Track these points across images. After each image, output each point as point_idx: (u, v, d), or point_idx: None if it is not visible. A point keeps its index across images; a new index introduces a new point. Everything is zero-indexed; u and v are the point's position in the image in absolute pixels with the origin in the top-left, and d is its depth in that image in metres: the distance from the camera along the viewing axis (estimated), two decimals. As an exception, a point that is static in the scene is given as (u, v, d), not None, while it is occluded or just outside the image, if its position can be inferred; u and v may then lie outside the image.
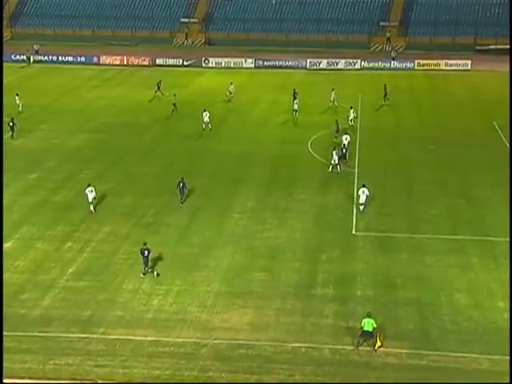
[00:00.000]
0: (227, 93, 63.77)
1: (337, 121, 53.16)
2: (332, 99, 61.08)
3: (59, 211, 40.12)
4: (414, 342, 27.87)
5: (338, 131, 51.98)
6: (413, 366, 26.67)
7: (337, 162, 45.62)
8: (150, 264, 33.22)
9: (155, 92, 64.98)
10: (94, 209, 39.79)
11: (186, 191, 41.08)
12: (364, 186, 39.90)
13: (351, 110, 54.35)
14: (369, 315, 27.63)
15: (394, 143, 49.18)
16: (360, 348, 27.49)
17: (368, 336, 27.38)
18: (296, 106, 58.13)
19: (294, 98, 59.41)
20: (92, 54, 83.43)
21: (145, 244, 33.10)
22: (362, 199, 39.64)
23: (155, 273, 33.11)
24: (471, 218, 39.16)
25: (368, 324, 27.36)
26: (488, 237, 36.76)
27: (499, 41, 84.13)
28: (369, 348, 27.46)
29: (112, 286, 32.27)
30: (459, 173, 45.88)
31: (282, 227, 38.15)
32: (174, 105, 59.35)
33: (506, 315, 29.66)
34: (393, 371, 26.31)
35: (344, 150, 47.14)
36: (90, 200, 39.56)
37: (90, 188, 39.66)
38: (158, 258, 34.51)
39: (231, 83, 64.18)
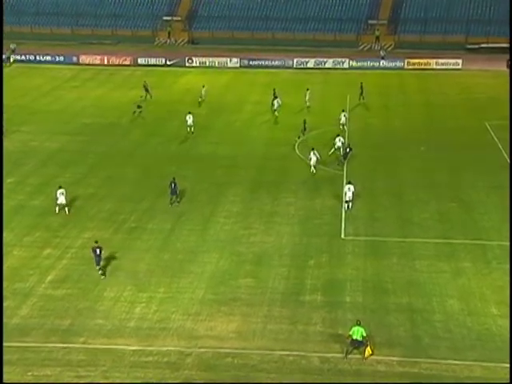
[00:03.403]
0: (199, 98, 62.25)
1: (305, 120, 52.73)
2: (307, 99, 60.46)
3: (38, 216, 39.27)
4: (405, 350, 27.43)
5: (304, 130, 51.77)
6: (404, 373, 26.23)
7: (314, 163, 45.15)
8: (101, 263, 32.92)
9: (145, 95, 63.33)
10: (67, 211, 39.19)
11: (178, 192, 40.66)
12: (350, 182, 39.87)
13: (342, 113, 53.63)
14: (358, 323, 27.07)
15: (384, 144, 48.61)
16: (350, 356, 26.93)
17: (357, 344, 26.85)
18: (276, 106, 57.77)
19: (275, 98, 58.74)
20: (71, 53, 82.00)
21: (96, 242, 32.96)
22: (349, 196, 39.48)
23: (101, 272, 32.83)
24: (463, 221, 38.70)
25: (357, 332, 26.81)
26: (480, 241, 36.34)
27: (490, 39, 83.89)
28: (359, 356, 26.88)
29: (93, 293, 31.58)
30: (451, 175, 45.41)
31: (268, 232, 37.56)
32: (139, 107, 58.14)
33: (500, 321, 29.26)
34: (383, 379, 25.83)
35: (348, 150, 46.46)
36: (59, 202, 38.99)
37: (61, 190, 39.15)
38: (141, 265, 33.91)
39: (203, 86, 62.87)
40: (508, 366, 26.19)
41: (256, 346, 27.76)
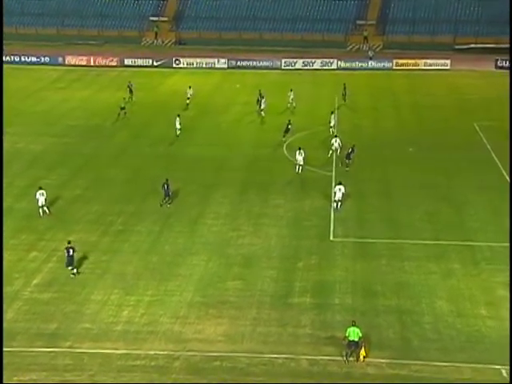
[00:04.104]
0: (186, 99, 61.72)
1: (289, 121, 52.54)
2: (290, 100, 60.28)
3: (23, 219, 38.88)
4: (394, 352, 27.28)
5: (287, 131, 51.79)
6: (393, 376, 26.05)
7: (301, 162, 45.05)
8: (74, 264, 32.72)
9: (129, 97, 62.93)
10: (48, 211, 39.01)
11: (171, 193, 40.47)
12: (340, 183, 39.86)
13: (332, 115, 53.44)
14: (353, 324, 26.85)
15: (373, 145, 48.56)
16: (340, 358, 26.67)
17: (354, 346, 26.56)
18: (263, 106, 57.72)
19: (261, 98, 58.53)
20: (57, 54, 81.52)
21: (69, 242, 32.82)
22: (338, 196, 39.47)
23: (75, 271, 32.69)
24: (452, 222, 38.62)
25: (354, 333, 26.55)
26: (469, 242, 36.26)
27: (479, 40, 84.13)
28: (351, 358, 26.67)
29: (79, 297, 31.25)
30: (440, 176, 45.36)
31: (257, 234, 37.35)
32: (122, 108, 57.72)
33: (489, 322, 29.19)
34: (373, 381, 25.64)
35: (351, 150, 46.32)
36: (40, 204, 38.71)
37: (41, 191, 38.86)
38: (128, 268, 33.64)
39: (189, 87, 62.42)
40: (498, 367, 26.12)
41: (245, 348, 27.53)
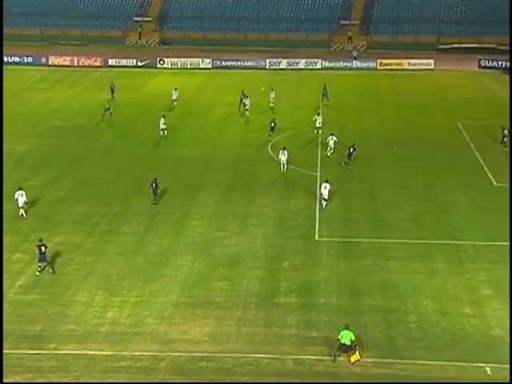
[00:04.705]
0: (172, 101, 61.06)
1: (274, 119, 52.64)
2: (271, 99, 60.30)
3: (7, 221, 38.40)
4: (380, 351, 27.32)
5: (273, 129, 51.91)
6: (379, 375, 26.11)
7: (284, 162, 45.08)
8: (48, 261, 32.72)
9: (111, 98, 62.69)
10: (25, 214, 38.77)
11: (159, 192, 40.41)
12: (326, 181, 39.91)
13: (318, 116, 53.41)
14: (347, 327, 26.79)
15: (358, 145, 48.44)
16: (324, 357, 26.73)
17: (345, 349, 26.54)
18: (247, 106, 57.78)
19: (245, 98, 58.48)
20: (40, 54, 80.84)
21: (41, 240, 32.77)
22: (325, 194, 39.44)
23: (51, 270, 32.79)
24: (437, 222, 38.72)
25: (346, 337, 26.52)
26: (454, 241, 36.37)
27: (462, 40, 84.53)
28: (341, 358, 26.64)
29: (64, 298, 31.06)
30: (424, 176, 45.50)
31: (242, 234, 37.31)
32: (107, 110, 57.40)
33: (473, 321, 29.33)
34: (359, 381, 25.68)
35: (352, 150, 46.29)
36: (21, 205, 38.49)
37: (21, 192, 38.63)
38: (113, 269, 33.49)
39: (175, 89, 61.92)
40: (482, 365, 26.28)
41: (230, 349, 27.48)
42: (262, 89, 60.99)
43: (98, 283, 32.22)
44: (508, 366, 26.07)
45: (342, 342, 26.44)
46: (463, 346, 27.58)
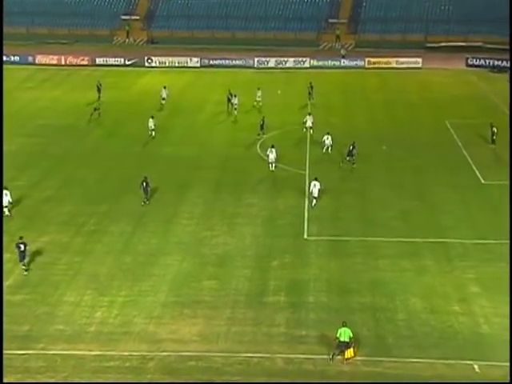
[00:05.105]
0: (161, 100, 61.05)
1: (263, 117, 52.66)
2: (257, 98, 60.31)
3: (-5, 220, 38.25)
4: (369, 349, 27.35)
5: (262, 128, 51.92)
6: (368, 373, 26.16)
7: (273, 160, 45.03)
8: (27, 259, 32.61)
9: (99, 98, 62.47)
10: (10, 212, 38.58)
11: (149, 190, 40.38)
12: (316, 179, 39.93)
13: (308, 116, 53.35)
14: (344, 324, 26.78)
15: (347, 143, 48.57)
16: (316, 356, 26.65)
17: (344, 347, 26.48)
18: (235, 105, 57.68)
19: (232, 97, 58.33)
20: (27, 53, 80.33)
21: (21, 238, 32.72)
22: (315, 193, 39.51)
23: (24, 267, 32.67)
24: (426, 220, 38.82)
25: (345, 334, 26.49)
26: (442, 239, 36.48)
27: (450, 38, 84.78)
28: (325, 356, 26.69)
29: (52, 298, 30.93)
30: (413, 174, 45.62)
31: (231, 233, 37.25)
32: (96, 109, 57.26)
33: (461, 319, 29.42)
34: (348, 379, 25.69)
35: (352, 148, 46.28)
36: (5, 204, 38.30)
37: (5, 191, 38.45)
38: (101, 268, 33.35)
39: (164, 87, 61.85)
40: (470, 362, 26.38)
41: (220, 348, 27.43)
42: (279, 92, 60.35)
43: (87, 283, 32.09)
44: (496, 364, 26.26)
45: (342, 339, 26.37)
46: (452, 344, 27.67)
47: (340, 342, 26.44)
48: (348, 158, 46.42)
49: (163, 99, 60.97)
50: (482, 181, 44.24)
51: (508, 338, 27.73)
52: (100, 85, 63.46)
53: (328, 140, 48.29)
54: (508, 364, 25.99)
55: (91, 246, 35.57)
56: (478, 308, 30.09)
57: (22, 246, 32.36)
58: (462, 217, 39.00)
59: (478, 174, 45.33)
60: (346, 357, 26.46)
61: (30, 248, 34.92)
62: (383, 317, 29.50)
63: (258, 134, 52.08)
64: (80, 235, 36.91)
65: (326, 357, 26.64)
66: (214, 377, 25.76)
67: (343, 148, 48.04)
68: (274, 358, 26.82)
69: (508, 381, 25.10)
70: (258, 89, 60.92)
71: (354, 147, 46.39)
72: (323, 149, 48.60)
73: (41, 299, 30.72)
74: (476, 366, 26.25)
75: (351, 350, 26.48)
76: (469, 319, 29.32)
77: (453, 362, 26.55)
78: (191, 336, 28.20)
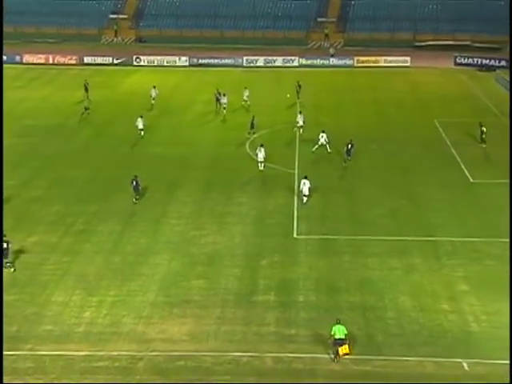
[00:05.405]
0: (151, 100, 60.84)
1: (253, 117, 52.65)
2: (245, 97, 60.27)
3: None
4: (358, 348, 27.27)
5: (252, 127, 51.91)
6: (357, 372, 26.11)
7: (262, 159, 45.03)
8: (10, 257, 32.55)
9: (84, 96, 62.27)
10: None
11: (140, 189, 40.34)
12: (306, 177, 39.99)
13: (299, 115, 53.31)
14: (338, 322, 26.77)
15: (335, 142, 48.68)
16: (304, 355, 26.59)
17: (341, 344, 26.42)
18: (224, 104, 57.67)
19: (221, 96, 58.26)
20: (14, 52, 79.80)
21: (5, 236, 32.51)
22: (305, 191, 39.56)
23: (12, 269, 32.51)
24: (414, 218, 38.87)
25: (340, 331, 26.46)
26: (431, 237, 36.54)
27: (438, 37, 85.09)
28: (312, 355, 26.68)
29: (40, 298, 30.74)
30: (402, 173, 45.69)
31: (220, 232, 37.19)
32: (87, 108, 57.19)
33: (451, 317, 29.45)
34: (338, 378, 25.65)
35: (349, 146, 46.28)
36: None
37: None
38: (90, 268, 33.24)
39: (154, 87, 61.73)
40: (459, 360, 26.39)
41: (209, 348, 27.35)
42: (288, 96, 60.16)
43: (75, 283, 31.93)
44: (485, 361, 26.30)
45: (337, 337, 26.32)
46: (441, 342, 27.69)
47: (335, 339, 26.40)
48: (346, 157, 46.39)
49: (153, 99, 60.80)
50: (471, 179, 44.39)
51: (497, 335, 27.86)
52: (87, 84, 63.24)
53: (323, 138, 48.29)
54: (497, 361, 26.12)
55: (80, 246, 35.41)
56: (466, 306, 30.15)
57: (5, 245, 32.21)
58: (451, 215, 39.09)
59: (466, 172, 45.47)
60: (339, 354, 26.39)
61: (19, 248, 34.87)
62: (372, 315, 29.49)
63: (249, 133, 52.08)
64: (69, 235, 36.75)
65: (315, 355, 26.60)
66: (204, 376, 25.66)
67: (334, 147, 48.13)
68: (263, 357, 26.75)
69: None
70: (246, 88, 60.90)
71: (352, 146, 46.42)
72: (315, 146, 48.50)
73: (29, 299, 30.51)
74: (465, 364, 26.27)
75: (346, 346, 26.42)
76: (458, 317, 29.36)
77: (442, 360, 26.56)
78: (180, 336, 28.11)
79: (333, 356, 26.53)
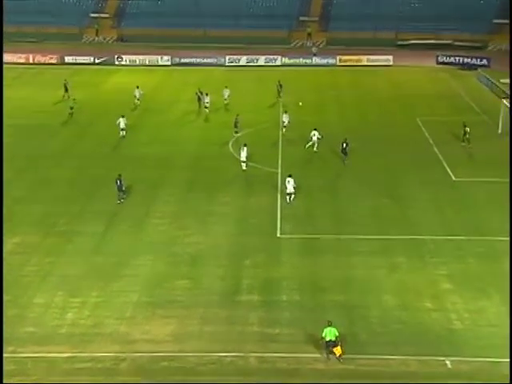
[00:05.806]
0: (135, 100, 60.59)
1: (238, 116, 52.62)
2: (226, 96, 60.21)
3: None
4: (343, 346, 27.11)
5: (236, 126, 51.92)
6: (342, 370, 26.18)
7: (244, 159, 45.03)
8: None
9: (63, 95, 61.95)
10: None
11: (124, 188, 40.23)
12: (290, 176, 40.08)
13: (285, 115, 53.22)
14: (329, 324, 26.80)
15: (318, 141, 48.67)
16: (290, 355, 26.60)
17: (332, 345, 26.51)
18: (207, 104, 57.54)
19: (203, 96, 58.11)
20: (-7, 51, 79.28)
21: None
22: (290, 189, 39.61)
23: None
24: (397, 217, 38.92)
25: (330, 333, 26.52)
26: (414, 236, 36.59)
27: (420, 36, 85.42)
28: (296, 355, 26.68)
29: (22, 300, 30.50)
30: (384, 171, 45.73)
31: (204, 232, 37.08)
32: (71, 108, 56.98)
33: (434, 315, 29.55)
34: (321, 377, 25.73)
35: (344, 145, 46.23)
36: None
37: None
38: (72, 269, 33.04)
39: (137, 87, 61.39)
40: (442, 358, 26.53)
41: (193, 348, 27.27)
42: (300, 104, 59.78)
43: (57, 284, 31.71)
44: (467, 359, 26.47)
45: (328, 339, 26.39)
46: (424, 340, 27.77)
47: (327, 341, 26.47)
48: (344, 156, 46.41)
49: (137, 99, 60.52)
50: (453, 178, 44.56)
51: (480, 333, 28.08)
52: (67, 83, 62.86)
53: (315, 136, 48.28)
54: (480, 359, 26.35)
55: (62, 247, 35.15)
56: (449, 304, 30.26)
57: None
58: (434, 213, 39.19)
59: (449, 171, 45.64)
60: (337, 353, 26.49)
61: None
62: (356, 314, 29.53)
63: (236, 132, 51.88)
64: (51, 236, 36.47)
65: (299, 355, 26.64)
66: (188, 377, 25.61)
67: (309, 146, 48.30)
68: (247, 356, 26.74)
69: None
70: (226, 87, 60.79)
71: (347, 144, 46.46)
72: (307, 144, 48.46)
73: (11, 301, 30.18)
74: (448, 362, 26.42)
75: (338, 347, 26.46)
76: (441, 315, 29.47)
77: (425, 358, 26.65)
78: (164, 336, 28.02)
79: (325, 356, 26.59)
